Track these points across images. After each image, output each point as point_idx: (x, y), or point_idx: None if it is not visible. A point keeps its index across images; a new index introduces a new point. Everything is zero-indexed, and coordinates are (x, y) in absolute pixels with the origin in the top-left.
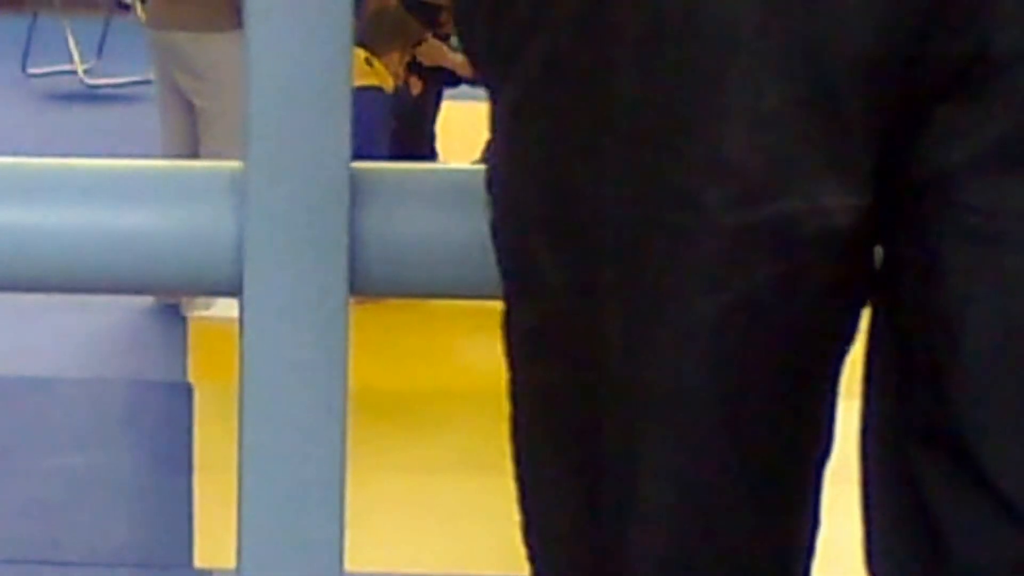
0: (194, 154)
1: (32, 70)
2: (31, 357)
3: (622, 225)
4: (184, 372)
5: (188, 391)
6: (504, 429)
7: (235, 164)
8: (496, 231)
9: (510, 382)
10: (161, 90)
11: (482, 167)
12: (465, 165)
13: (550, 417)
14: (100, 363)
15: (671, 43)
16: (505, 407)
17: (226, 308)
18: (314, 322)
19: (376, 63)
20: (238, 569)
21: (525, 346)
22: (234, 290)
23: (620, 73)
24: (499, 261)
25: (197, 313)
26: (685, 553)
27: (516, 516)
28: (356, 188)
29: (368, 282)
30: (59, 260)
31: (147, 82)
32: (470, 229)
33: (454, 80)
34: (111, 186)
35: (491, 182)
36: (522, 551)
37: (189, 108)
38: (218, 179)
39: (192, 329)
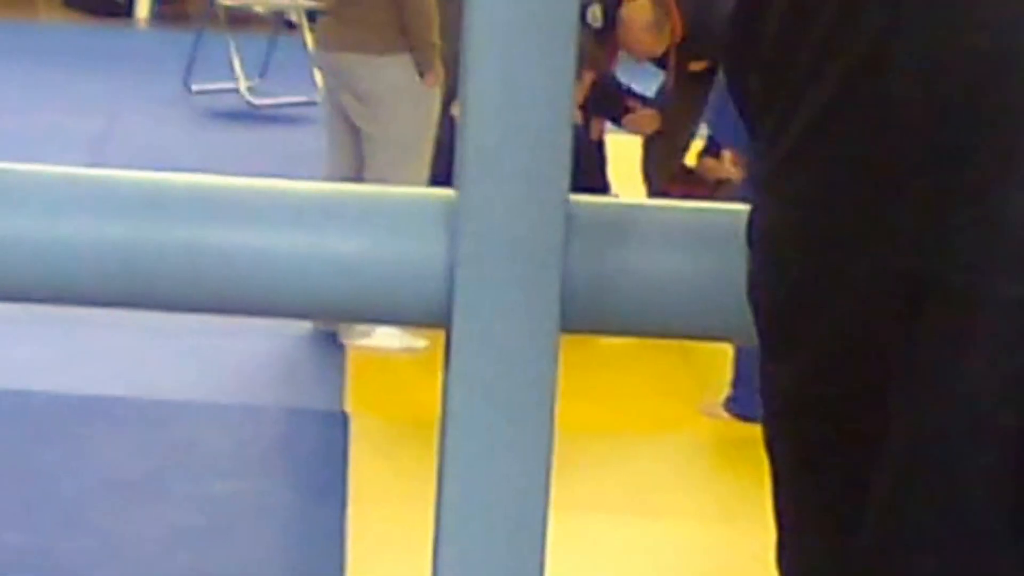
0: (359, 179)
1: (195, 87)
2: (186, 381)
3: (900, 284)
4: (341, 401)
5: (345, 421)
6: (667, 472)
7: (449, 192)
8: (754, 286)
9: (766, 435)
10: (328, 112)
11: (701, 206)
12: (682, 203)
13: (812, 471)
14: (256, 390)
15: (957, 115)
16: (667, 449)
17: (385, 338)
18: (522, 357)
19: None
20: None
21: (786, 402)
22: (442, 321)
23: (901, 135)
24: (756, 317)
25: (356, 342)
26: None
27: (677, 559)
28: (570, 223)
29: (579, 319)
30: (265, 283)
31: (310, 103)
32: (684, 268)
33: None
34: (321, 209)
35: (753, 235)
36: None
37: (355, 131)
38: (431, 207)
39: (350, 358)
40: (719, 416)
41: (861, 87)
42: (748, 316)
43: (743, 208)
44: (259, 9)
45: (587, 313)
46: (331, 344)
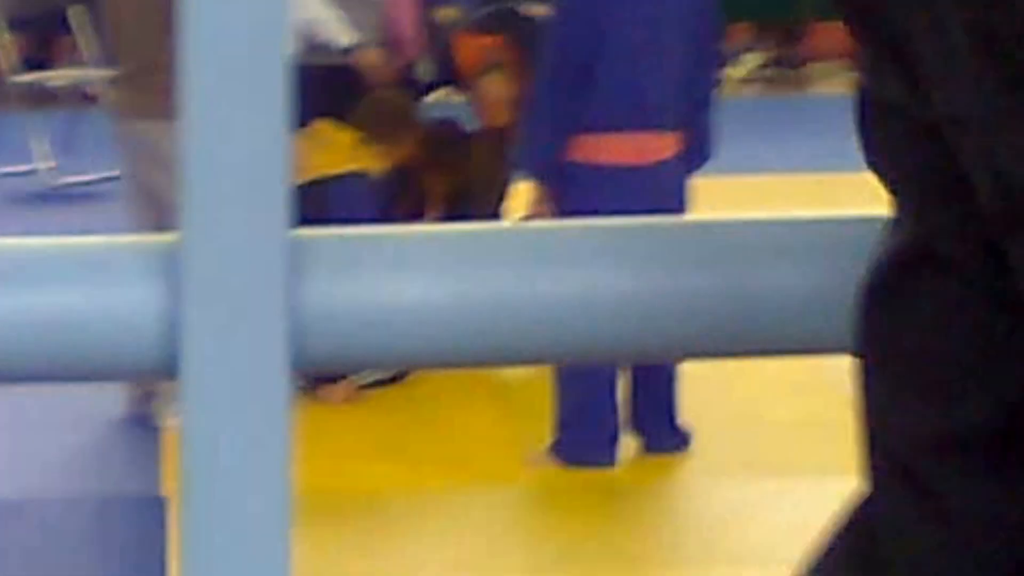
0: None
1: None
2: None
3: None
4: (158, 485)
5: (162, 505)
6: (499, 525)
7: (169, 237)
8: None
9: None
10: (129, 184)
11: (431, 230)
12: (413, 228)
13: None
14: (69, 482)
15: None
16: (496, 502)
17: None
18: (255, 400)
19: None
20: None
21: None
22: (172, 373)
23: None
24: None
25: (170, 422)
26: None
27: None
28: (296, 257)
29: (311, 356)
30: None
31: (117, 178)
32: (419, 295)
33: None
34: (33, 266)
35: None
36: None
37: (158, 203)
38: (151, 254)
39: (165, 440)
40: (544, 464)
41: None
42: (485, 339)
43: (473, 227)
44: (56, 83)
45: (320, 350)
46: (145, 427)
